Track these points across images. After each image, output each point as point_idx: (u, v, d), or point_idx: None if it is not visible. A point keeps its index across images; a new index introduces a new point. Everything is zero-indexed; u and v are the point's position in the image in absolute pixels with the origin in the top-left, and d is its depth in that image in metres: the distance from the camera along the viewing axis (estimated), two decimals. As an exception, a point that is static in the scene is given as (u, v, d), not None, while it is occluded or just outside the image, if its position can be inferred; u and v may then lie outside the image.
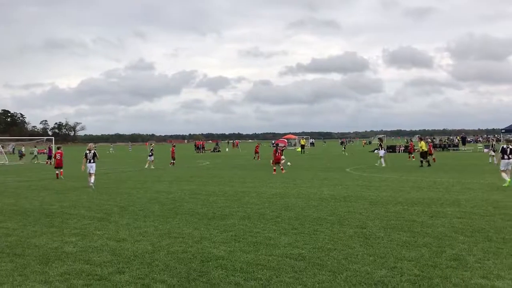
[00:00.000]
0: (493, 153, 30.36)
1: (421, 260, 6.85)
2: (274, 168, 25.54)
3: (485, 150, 50.25)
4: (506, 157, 16.69)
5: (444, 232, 8.78)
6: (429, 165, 27.78)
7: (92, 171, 18.68)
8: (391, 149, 56.44)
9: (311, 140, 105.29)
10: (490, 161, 30.79)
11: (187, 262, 7.05)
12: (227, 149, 78.43)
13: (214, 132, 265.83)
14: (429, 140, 37.66)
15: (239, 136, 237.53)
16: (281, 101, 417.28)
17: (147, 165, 31.10)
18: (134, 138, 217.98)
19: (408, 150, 39.22)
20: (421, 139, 29.81)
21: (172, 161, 34.62)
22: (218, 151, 68.89)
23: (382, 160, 30.18)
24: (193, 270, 6.62)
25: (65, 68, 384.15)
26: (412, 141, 42.73)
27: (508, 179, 16.45)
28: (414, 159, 35.04)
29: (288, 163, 29.37)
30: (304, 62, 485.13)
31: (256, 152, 42.34)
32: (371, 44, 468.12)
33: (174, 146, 38.32)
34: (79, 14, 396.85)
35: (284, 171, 24.97)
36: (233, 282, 6.07)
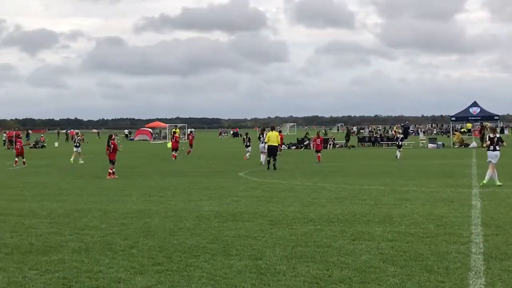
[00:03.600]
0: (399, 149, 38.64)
1: (337, 303, 7.22)
2: (110, 170, 26.29)
3: (430, 145, 54.51)
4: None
5: (370, 261, 9.32)
6: (274, 168, 29.35)
7: None
8: (301, 143, 58.55)
9: (189, 129, 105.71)
10: (398, 156, 37.77)
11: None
12: (56, 144, 75.78)
13: (36, 117, 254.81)
14: (319, 132, 44.72)
15: (77, 124, 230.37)
16: (140, 70, 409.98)
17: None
18: None
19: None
20: (272, 129, 32.54)
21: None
22: (42, 146, 66.56)
23: (262, 156, 33.28)
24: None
25: None
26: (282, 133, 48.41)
27: None
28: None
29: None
30: (171, 12, 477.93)
31: (190, 144, 46.76)
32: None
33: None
34: None
35: (115, 176, 25.70)
36: None
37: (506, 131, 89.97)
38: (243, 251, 10.17)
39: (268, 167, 29.89)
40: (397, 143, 39.75)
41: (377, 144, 59.49)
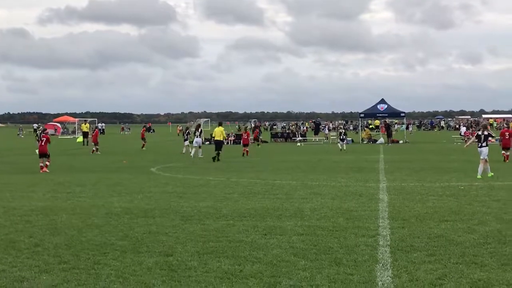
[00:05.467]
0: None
1: (248, 298, 7.22)
2: (41, 164, 26.28)
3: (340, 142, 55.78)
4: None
5: (281, 255, 9.41)
6: (217, 159, 31.83)
7: None
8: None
9: (100, 124, 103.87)
10: (345, 148, 43.15)
11: None
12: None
13: None
14: (247, 126, 46.03)
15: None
16: (47, 63, 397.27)
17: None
18: None
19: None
20: (220, 125, 35.84)
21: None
22: None
23: (193, 150, 35.60)
24: None
25: None
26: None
27: None
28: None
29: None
30: (78, 4, 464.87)
31: (143, 137, 47.00)
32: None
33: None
34: None
35: (46, 170, 25.70)
36: None
37: (410, 128, 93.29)
38: (153, 248, 10.04)
39: (214, 159, 31.55)
40: (340, 137, 45.20)
41: (290, 140, 60.38)
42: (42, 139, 26.97)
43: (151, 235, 11.18)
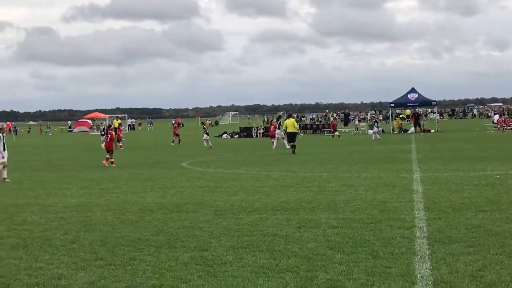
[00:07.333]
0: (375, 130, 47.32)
1: (285, 292, 7.19)
2: (111, 160, 26.93)
3: (370, 131, 55.41)
4: None
5: (316, 248, 9.35)
6: (293, 152, 31.71)
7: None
8: (245, 132, 58.81)
9: (130, 120, 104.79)
10: (373, 138, 44.94)
11: None
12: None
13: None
14: (273, 119, 46.23)
15: (14, 116, 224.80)
16: (74, 61, 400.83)
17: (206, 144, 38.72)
18: None
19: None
20: (289, 116, 35.48)
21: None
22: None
23: (275, 142, 37.21)
24: None
25: None
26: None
27: None
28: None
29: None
30: (101, 1, 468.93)
31: (176, 134, 46.03)
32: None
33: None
34: None
35: (113, 165, 26.39)
36: None
37: (438, 116, 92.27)
38: (188, 243, 10.05)
39: (293, 152, 31.56)
40: (375, 125, 49.01)
41: (319, 132, 60.10)
42: (108, 135, 27.85)
43: (185, 230, 11.20)
